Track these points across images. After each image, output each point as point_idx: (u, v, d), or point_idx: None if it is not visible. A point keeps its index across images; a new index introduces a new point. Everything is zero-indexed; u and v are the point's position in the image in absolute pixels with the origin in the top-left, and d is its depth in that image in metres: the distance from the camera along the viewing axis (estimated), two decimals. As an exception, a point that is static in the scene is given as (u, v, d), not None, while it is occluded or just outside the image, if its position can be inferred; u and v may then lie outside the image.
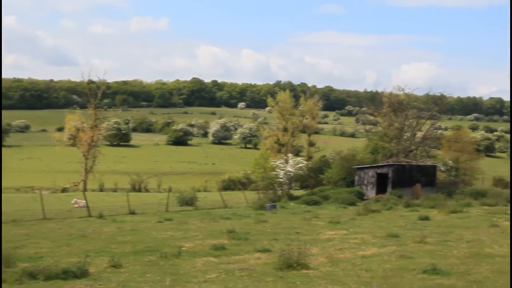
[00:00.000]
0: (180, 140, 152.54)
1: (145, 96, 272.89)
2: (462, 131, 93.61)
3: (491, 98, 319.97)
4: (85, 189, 63.47)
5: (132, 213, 37.17)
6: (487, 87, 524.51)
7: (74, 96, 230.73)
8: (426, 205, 37.03)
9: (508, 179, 67.57)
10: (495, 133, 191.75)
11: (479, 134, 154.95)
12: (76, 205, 42.21)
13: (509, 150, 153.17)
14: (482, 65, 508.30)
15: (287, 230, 25.19)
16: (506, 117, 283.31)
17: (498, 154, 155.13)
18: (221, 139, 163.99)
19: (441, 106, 67.44)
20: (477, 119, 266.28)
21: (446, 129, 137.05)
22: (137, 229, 27.13)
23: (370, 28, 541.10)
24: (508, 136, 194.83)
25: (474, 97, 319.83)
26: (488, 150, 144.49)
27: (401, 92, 67.00)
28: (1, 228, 23.48)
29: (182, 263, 16.71)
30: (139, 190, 66.79)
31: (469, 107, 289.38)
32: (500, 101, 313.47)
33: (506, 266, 14.47)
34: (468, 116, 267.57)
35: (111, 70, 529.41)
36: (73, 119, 76.72)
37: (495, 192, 47.27)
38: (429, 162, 59.38)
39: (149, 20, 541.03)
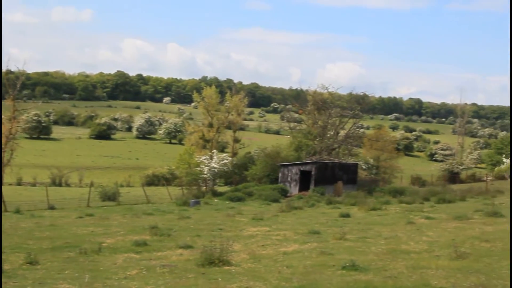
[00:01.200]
0: (103, 134, 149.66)
1: (67, 88, 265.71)
2: (383, 130, 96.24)
3: (410, 98, 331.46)
4: (1, 183, 61.23)
5: (52, 208, 36.23)
6: (407, 87, 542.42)
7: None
8: (347, 203, 37.76)
9: (425, 178, 70.26)
10: (414, 133, 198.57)
11: (398, 134, 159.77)
12: (-8, 200, 40.66)
13: (426, 149, 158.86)
14: (402, 66, 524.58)
15: (210, 227, 25.16)
16: (424, 118, 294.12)
17: (416, 153, 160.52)
18: (146, 134, 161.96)
19: (363, 105, 69.07)
20: (397, 118, 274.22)
21: (368, 128, 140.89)
22: (56, 224, 26.40)
23: (296, 26, 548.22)
24: (426, 136, 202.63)
25: (395, 97, 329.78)
26: (407, 149, 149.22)
27: (325, 91, 68.32)
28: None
29: (102, 260, 16.39)
30: (60, 185, 65.23)
31: (390, 106, 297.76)
32: (419, 101, 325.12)
33: (420, 262, 14.98)
34: (389, 116, 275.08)
35: (31, 61, 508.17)
36: (-11, 110, 73.77)
37: (413, 190, 48.95)
38: (351, 160, 60.81)
39: (72, 10, 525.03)
